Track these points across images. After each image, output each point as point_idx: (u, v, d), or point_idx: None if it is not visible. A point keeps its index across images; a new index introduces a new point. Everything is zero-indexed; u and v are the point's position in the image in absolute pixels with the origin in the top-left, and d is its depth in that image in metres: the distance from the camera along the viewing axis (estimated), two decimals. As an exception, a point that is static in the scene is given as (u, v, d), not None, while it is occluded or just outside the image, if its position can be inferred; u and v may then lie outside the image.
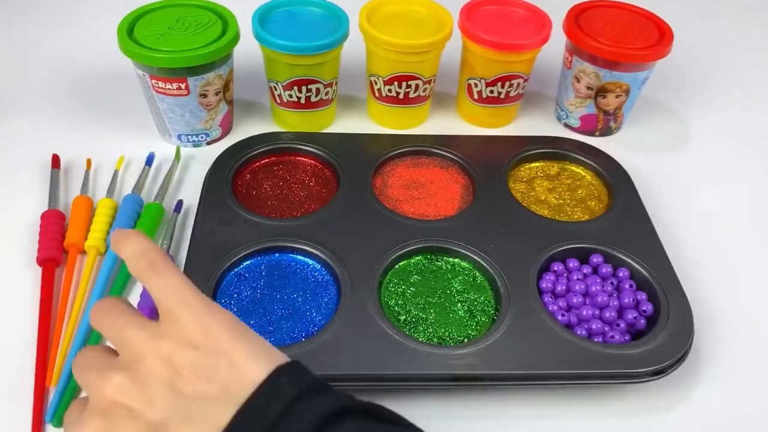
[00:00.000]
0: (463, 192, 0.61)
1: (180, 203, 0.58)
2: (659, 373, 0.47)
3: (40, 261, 0.52)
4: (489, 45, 0.64)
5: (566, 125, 0.72)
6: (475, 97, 0.69)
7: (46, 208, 0.56)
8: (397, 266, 0.53)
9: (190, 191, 0.60)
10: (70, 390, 0.45)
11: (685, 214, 0.63)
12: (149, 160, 0.61)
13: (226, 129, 0.67)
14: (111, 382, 0.31)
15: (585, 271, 0.53)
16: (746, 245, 0.61)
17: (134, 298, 0.52)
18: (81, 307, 0.50)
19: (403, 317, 0.50)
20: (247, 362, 0.31)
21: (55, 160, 0.61)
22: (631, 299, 0.51)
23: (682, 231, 0.61)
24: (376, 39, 0.63)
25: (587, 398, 0.48)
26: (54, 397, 0.45)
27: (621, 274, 0.53)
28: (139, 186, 0.59)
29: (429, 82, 0.67)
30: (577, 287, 0.52)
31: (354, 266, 0.51)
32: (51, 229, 0.54)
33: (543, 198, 0.61)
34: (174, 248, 0.55)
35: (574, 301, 0.51)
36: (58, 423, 0.44)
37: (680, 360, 0.47)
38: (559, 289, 0.52)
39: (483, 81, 0.67)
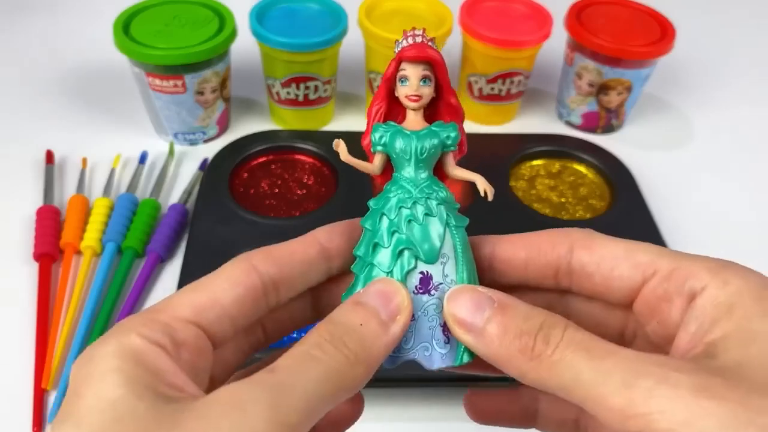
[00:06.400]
0: (463, 190, 0.60)
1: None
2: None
3: (37, 256, 0.52)
4: (490, 41, 0.63)
5: (568, 123, 0.71)
6: (476, 94, 0.68)
7: (41, 205, 0.56)
8: (396, 265, 0.52)
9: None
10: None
11: (687, 212, 0.62)
12: (142, 159, 0.61)
13: (223, 127, 0.67)
14: None
15: (587, 270, 0.53)
16: (748, 242, 0.60)
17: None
18: (77, 307, 0.50)
19: (403, 317, 0.49)
20: None
21: (49, 156, 0.60)
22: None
23: (685, 229, 0.60)
24: (375, 35, 0.62)
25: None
26: (57, 396, 0.44)
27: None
28: (133, 184, 0.58)
29: (429, 79, 0.66)
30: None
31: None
32: (47, 224, 0.54)
33: (544, 196, 0.60)
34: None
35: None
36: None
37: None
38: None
39: (483, 78, 0.66)
